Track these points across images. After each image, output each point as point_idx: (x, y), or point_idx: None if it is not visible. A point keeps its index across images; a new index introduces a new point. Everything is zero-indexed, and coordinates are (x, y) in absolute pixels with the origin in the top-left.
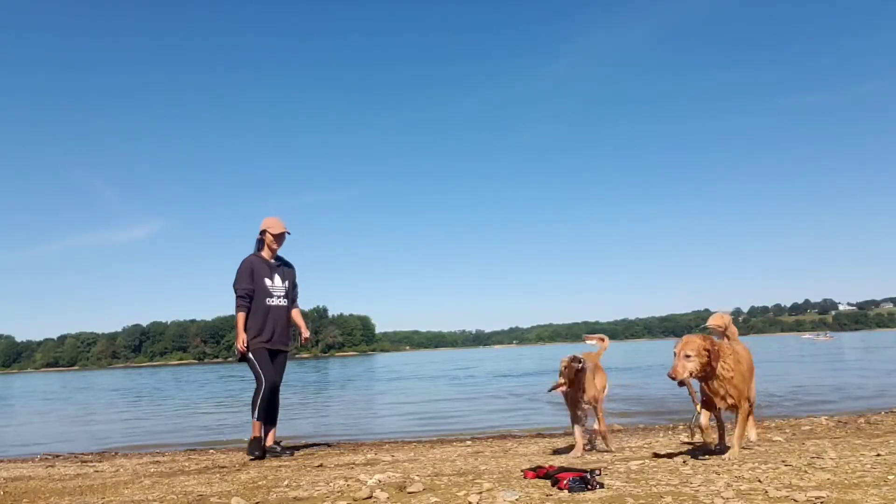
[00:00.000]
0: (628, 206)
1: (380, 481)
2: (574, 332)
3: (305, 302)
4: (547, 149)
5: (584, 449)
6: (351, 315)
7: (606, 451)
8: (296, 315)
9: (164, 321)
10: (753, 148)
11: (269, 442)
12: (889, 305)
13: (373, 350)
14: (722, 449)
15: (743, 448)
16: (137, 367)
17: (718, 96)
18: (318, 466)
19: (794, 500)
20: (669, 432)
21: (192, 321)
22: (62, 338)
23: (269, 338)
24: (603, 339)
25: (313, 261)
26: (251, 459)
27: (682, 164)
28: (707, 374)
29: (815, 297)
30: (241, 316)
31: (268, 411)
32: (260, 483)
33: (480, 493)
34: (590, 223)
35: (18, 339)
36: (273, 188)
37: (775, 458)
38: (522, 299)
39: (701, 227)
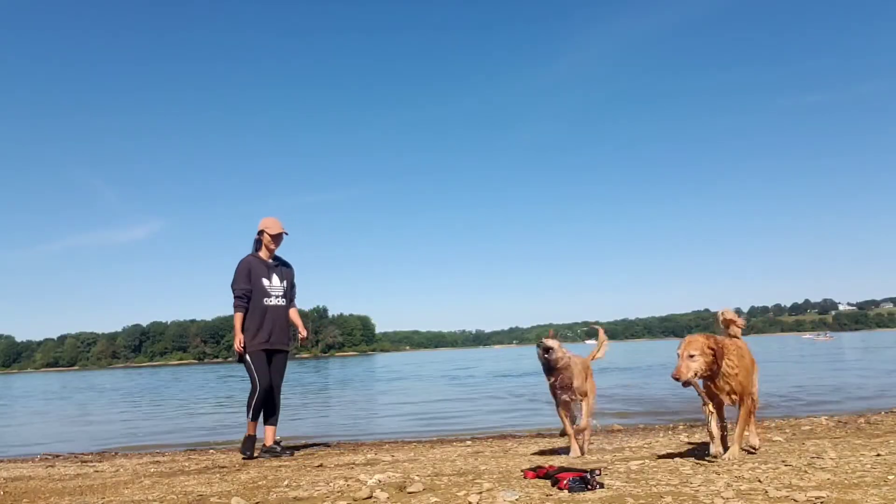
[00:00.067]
0: (628, 206)
1: (380, 481)
2: (574, 332)
3: (305, 302)
4: (547, 149)
5: (580, 448)
6: (351, 315)
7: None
8: (293, 315)
9: (164, 321)
10: (753, 148)
11: (270, 442)
12: (889, 305)
13: (373, 350)
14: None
15: (743, 449)
16: (137, 367)
17: (718, 96)
18: (318, 466)
19: (794, 500)
20: (669, 432)
21: (192, 321)
22: (62, 338)
23: (268, 338)
24: (602, 340)
25: (313, 261)
26: (243, 458)
27: (682, 164)
28: (713, 372)
29: (815, 297)
30: (239, 316)
31: (268, 411)
32: (260, 483)
33: (480, 493)
34: (590, 223)
35: (18, 339)
36: (273, 188)
37: (775, 458)
38: (522, 299)
39: (701, 227)
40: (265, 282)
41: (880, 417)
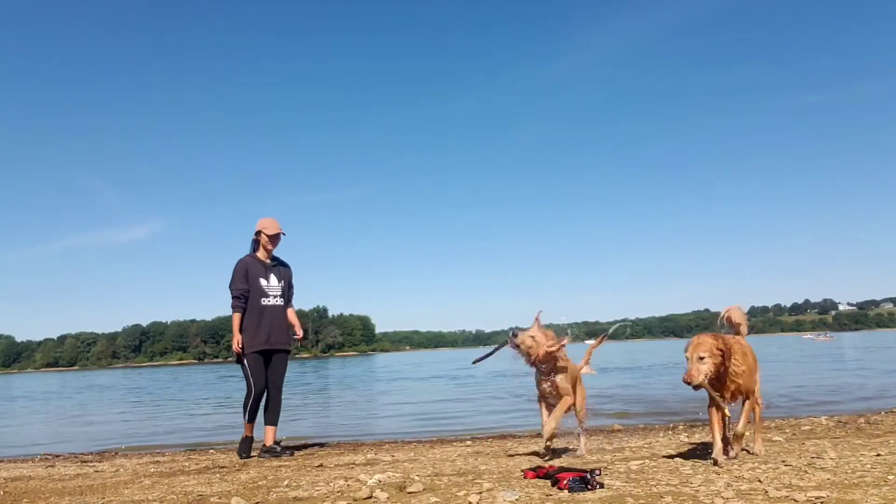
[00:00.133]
0: (628, 206)
1: (380, 481)
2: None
3: (305, 302)
4: (547, 149)
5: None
6: (351, 315)
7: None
8: (290, 315)
9: (164, 321)
10: (753, 148)
11: (269, 442)
12: (889, 305)
13: (373, 350)
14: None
15: (744, 450)
16: (137, 367)
17: (718, 96)
18: (318, 466)
19: (794, 500)
20: (669, 432)
21: (192, 321)
22: (62, 338)
23: (266, 338)
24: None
25: (313, 261)
26: (240, 458)
27: (682, 164)
28: (721, 373)
29: (815, 297)
30: (237, 316)
31: (268, 412)
32: (260, 483)
33: (480, 493)
34: (590, 223)
35: (18, 339)
36: (273, 188)
37: (775, 458)
38: (522, 299)
39: (701, 227)
40: (263, 282)
41: (880, 417)
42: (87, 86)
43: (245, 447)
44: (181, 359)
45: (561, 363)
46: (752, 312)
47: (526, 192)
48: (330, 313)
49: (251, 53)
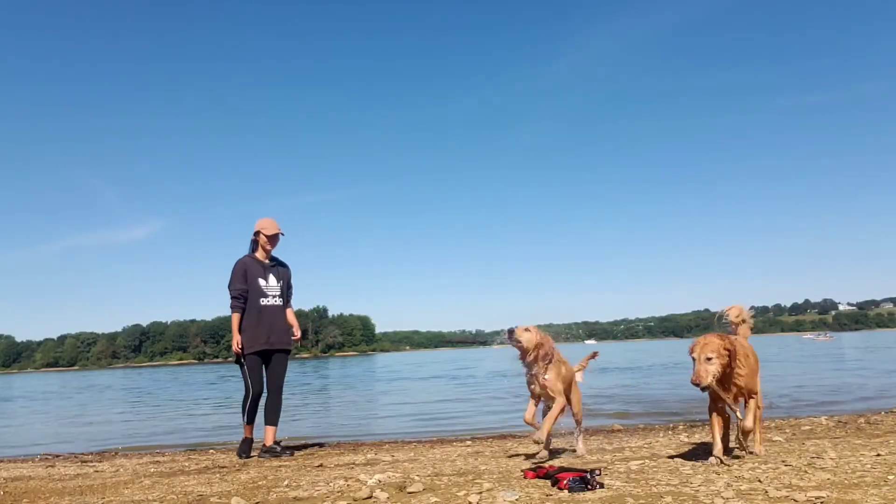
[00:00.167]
0: (628, 206)
1: (380, 481)
2: (574, 332)
3: (305, 302)
4: (547, 149)
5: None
6: (351, 315)
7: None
8: (289, 315)
9: (164, 321)
10: (753, 148)
11: (269, 442)
12: (889, 305)
13: (373, 350)
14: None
15: (743, 450)
16: (137, 367)
17: (718, 96)
18: (318, 466)
19: (794, 500)
20: (669, 432)
21: (192, 321)
22: (62, 338)
23: (266, 338)
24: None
25: (313, 261)
26: (240, 458)
27: (682, 164)
28: (727, 374)
29: (815, 297)
30: (236, 317)
31: (269, 412)
32: (260, 483)
33: (480, 493)
34: (590, 223)
35: (18, 339)
36: (273, 188)
37: (775, 458)
38: (522, 299)
39: (701, 227)
40: (261, 282)
41: (880, 417)
42: (87, 86)
43: (245, 448)
44: (181, 359)
45: (554, 361)
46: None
47: (526, 192)
48: (330, 313)
49: (251, 53)
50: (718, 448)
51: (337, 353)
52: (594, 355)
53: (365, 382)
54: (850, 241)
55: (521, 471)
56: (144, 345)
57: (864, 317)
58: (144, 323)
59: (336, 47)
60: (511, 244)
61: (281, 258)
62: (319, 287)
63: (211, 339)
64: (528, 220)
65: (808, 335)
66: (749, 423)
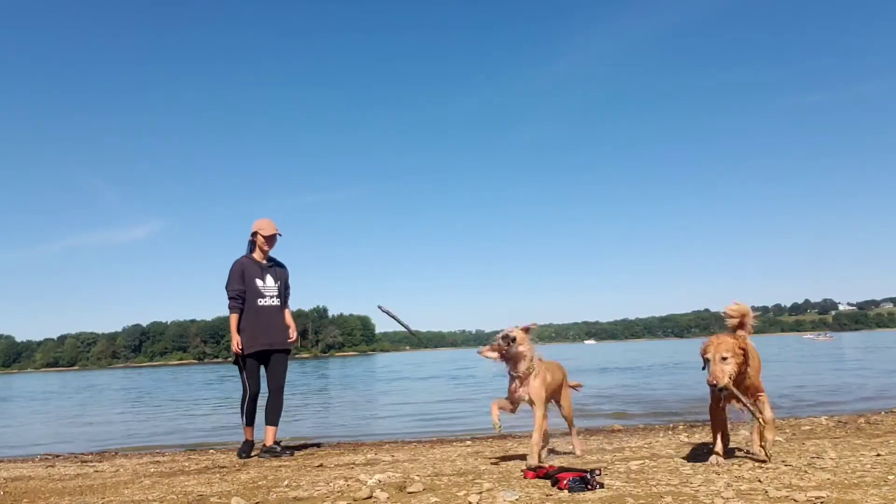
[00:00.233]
0: (628, 206)
1: (380, 481)
2: (574, 332)
3: (305, 302)
4: (547, 149)
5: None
6: (351, 315)
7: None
8: (286, 316)
9: (164, 321)
10: (753, 148)
11: (270, 442)
12: (889, 305)
13: (373, 350)
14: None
15: (742, 450)
16: (137, 367)
17: (718, 96)
18: (318, 466)
19: (794, 500)
20: (669, 432)
21: (192, 321)
22: (62, 338)
23: (263, 339)
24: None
25: (313, 261)
26: (240, 458)
27: (682, 164)
28: (741, 374)
29: (815, 297)
30: (234, 317)
31: (269, 412)
32: (260, 483)
33: (480, 493)
34: (590, 223)
35: (18, 339)
36: (273, 188)
37: (775, 458)
38: (522, 299)
39: (701, 227)
40: (259, 282)
41: (880, 417)
42: (87, 86)
43: (246, 449)
44: (181, 359)
45: (540, 368)
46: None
47: (526, 192)
48: (330, 313)
49: (251, 53)
50: (719, 448)
51: (337, 353)
52: (577, 387)
53: (365, 382)
54: (850, 241)
55: (521, 471)
56: (144, 345)
57: (864, 317)
58: (144, 323)
59: (336, 47)
60: (511, 244)
61: (280, 258)
62: (319, 287)
63: (211, 339)
64: (528, 220)
65: (808, 335)
66: (769, 413)
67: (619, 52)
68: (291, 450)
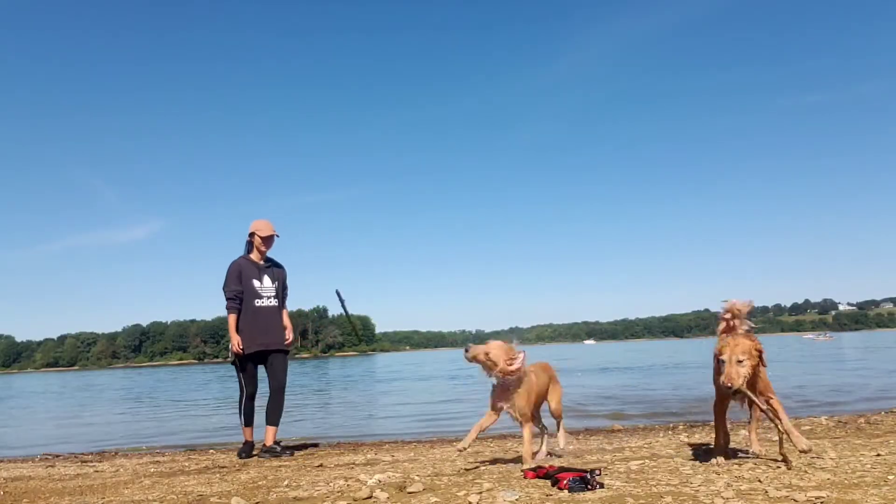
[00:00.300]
0: (628, 206)
1: (380, 481)
2: (574, 332)
3: (305, 302)
4: (547, 149)
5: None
6: (351, 315)
7: (590, 451)
8: (283, 317)
9: (164, 321)
10: (753, 148)
11: (270, 442)
12: (889, 305)
13: (373, 350)
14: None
15: (742, 451)
16: (137, 367)
17: (718, 96)
18: (318, 466)
19: (794, 500)
20: (669, 432)
21: (192, 321)
22: (62, 338)
23: (261, 339)
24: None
25: (313, 261)
26: (240, 458)
27: (682, 164)
28: (754, 376)
29: (815, 297)
30: (233, 318)
31: (270, 412)
32: (260, 483)
33: (480, 493)
34: (590, 223)
35: (18, 339)
36: (273, 188)
37: (775, 458)
38: (522, 299)
39: (701, 227)
40: (256, 283)
41: (880, 417)
42: (87, 86)
43: (245, 450)
44: (181, 359)
45: (525, 380)
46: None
47: (526, 192)
48: (330, 313)
49: (251, 53)
50: (720, 448)
51: (337, 353)
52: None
53: (365, 382)
54: (850, 241)
55: (521, 471)
56: (144, 345)
57: (864, 317)
58: (144, 323)
59: (336, 47)
60: (511, 244)
61: (279, 259)
62: (319, 287)
63: (211, 339)
64: (528, 220)
65: (808, 335)
66: (786, 422)
67: (619, 52)
68: (291, 450)
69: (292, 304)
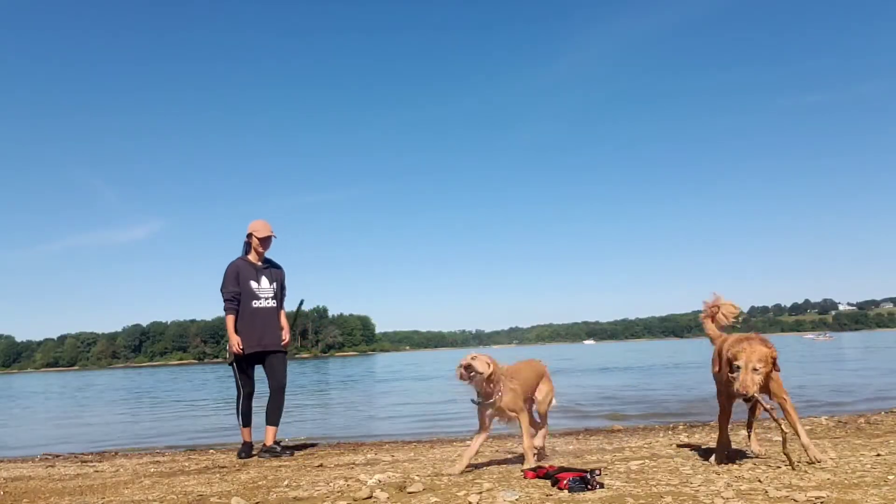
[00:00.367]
0: (628, 206)
1: (380, 481)
2: (574, 332)
3: (305, 302)
4: (547, 149)
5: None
6: (351, 315)
7: (590, 451)
8: (280, 317)
9: (164, 321)
10: (753, 148)
11: (270, 442)
12: (889, 305)
13: (373, 350)
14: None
15: (742, 451)
16: (137, 367)
17: (718, 96)
18: (318, 466)
19: (794, 500)
20: (669, 432)
21: (192, 321)
22: (62, 338)
23: (259, 340)
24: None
25: (313, 261)
26: (239, 458)
27: (682, 164)
28: (766, 380)
29: (815, 297)
30: (231, 319)
31: (270, 412)
32: (260, 483)
33: (480, 493)
34: (590, 223)
35: (18, 339)
36: (273, 188)
37: (775, 458)
38: (522, 299)
39: (701, 227)
40: (253, 284)
41: (880, 417)
42: (87, 86)
43: (245, 450)
44: (181, 359)
45: (505, 386)
46: (752, 312)
47: (526, 192)
48: (330, 313)
49: (251, 53)
50: (721, 448)
51: (337, 353)
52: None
53: (365, 382)
54: (850, 241)
55: (521, 471)
56: (144, 345)
57: (864, 317)
58: (144, 323)
59: (336, 47)
60: (511, 244)
61: (279, 259)
62: (319, 287)
63: (211, 339)
64: (528, 220)
65: (808, 335)
66: (803, 434)
67: (619, 52)
68: (291, 450)
69: (290, 305)
